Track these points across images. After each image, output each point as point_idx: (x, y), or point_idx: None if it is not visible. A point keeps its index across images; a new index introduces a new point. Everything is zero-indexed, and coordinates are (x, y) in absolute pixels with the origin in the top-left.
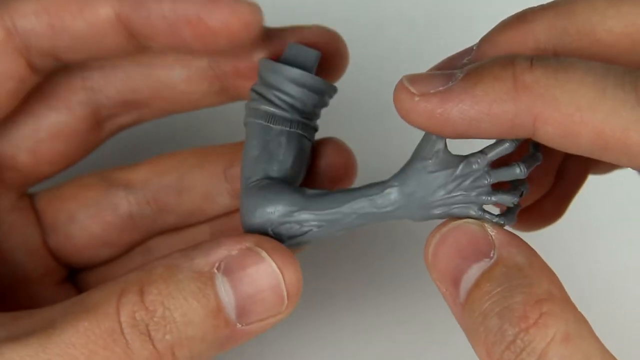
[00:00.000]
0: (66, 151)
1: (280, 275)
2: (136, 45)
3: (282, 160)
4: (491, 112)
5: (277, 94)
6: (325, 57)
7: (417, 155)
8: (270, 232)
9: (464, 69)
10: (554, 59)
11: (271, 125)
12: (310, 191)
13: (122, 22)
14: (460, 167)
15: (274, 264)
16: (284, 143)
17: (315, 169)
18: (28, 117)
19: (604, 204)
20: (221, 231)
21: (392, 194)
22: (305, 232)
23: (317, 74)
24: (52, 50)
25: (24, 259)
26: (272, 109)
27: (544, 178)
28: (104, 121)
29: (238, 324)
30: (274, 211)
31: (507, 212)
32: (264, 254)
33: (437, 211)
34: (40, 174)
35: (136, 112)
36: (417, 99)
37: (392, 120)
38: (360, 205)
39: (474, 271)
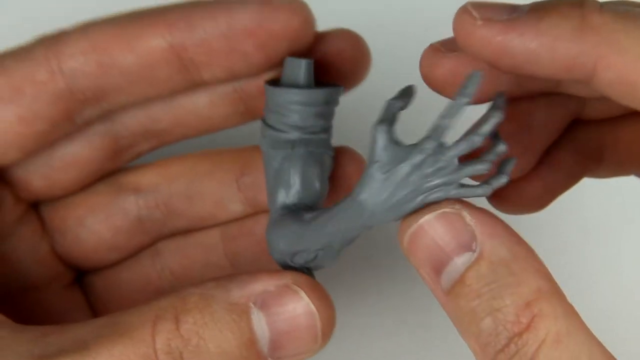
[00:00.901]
0: (81, 178)
1: (317, 315)
2: (187, 79)
3: (291, 184)
4: (554, 48)
5: (274, 116)
6: (346, 60)
7: (369, 159)
8: (290, 263)
9: (530, 3)
10: (624, 6)
11: (275, 150)
12: (307, 215)
13: (176, 50)
14: (414, 154)
15: (311, 304)
16: (288, 167)
17: (331, 180)
18: (43, 121)
19: (604, 205)
20: (232, 236)
21: (359, 203)
22: (315, 258)
23: (329, 76)
24: (99, 92)
25: (33, 267)
26: (274, 134)
27: (524, 154)
28: (122, 151)
29: (269, 358)
30: (284, 246)
31: (490, 178)
32: (302, 293)
33: (412, 204)
34: (54, 196)
35: (156, 140)
36: (479, 22)
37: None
38: (340, 223)
39: (458, 265)
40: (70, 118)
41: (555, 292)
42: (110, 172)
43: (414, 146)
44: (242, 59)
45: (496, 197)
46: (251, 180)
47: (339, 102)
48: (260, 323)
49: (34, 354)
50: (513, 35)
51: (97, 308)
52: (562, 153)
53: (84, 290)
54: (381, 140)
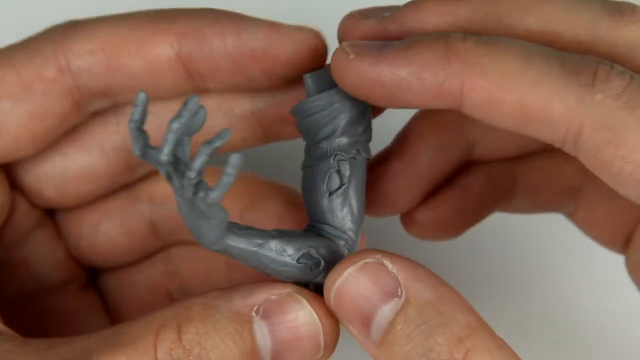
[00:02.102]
0: (94, 190)
1: (320, 325)
2: (193, 86)
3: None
4: (422, 74)
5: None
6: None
7: None
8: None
9: (400, 41)
10: (485, 36)
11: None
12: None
13: (183, 61)
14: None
15: (313, 313)
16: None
17: None
18: (57, 155)
19: None
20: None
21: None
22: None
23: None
24: (106, 90)
25: (49, 270)
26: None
27: (409, 191)
28: (136, 166)
29: None
30: None
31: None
32: (304, 302)
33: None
34: (67, 206)
35: None
36: (352, 57)
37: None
38: None
39: (386, 313)
40: (80, 110)
41: (484, 327)
42: (125, 185)
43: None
44: (247, 79)
45: (408, 222)
46: (254, 217)
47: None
48: (262, 332)
49: None
50: (383, 65)
51: (110, 308)
52: (472, 178)
53: (97, 290)
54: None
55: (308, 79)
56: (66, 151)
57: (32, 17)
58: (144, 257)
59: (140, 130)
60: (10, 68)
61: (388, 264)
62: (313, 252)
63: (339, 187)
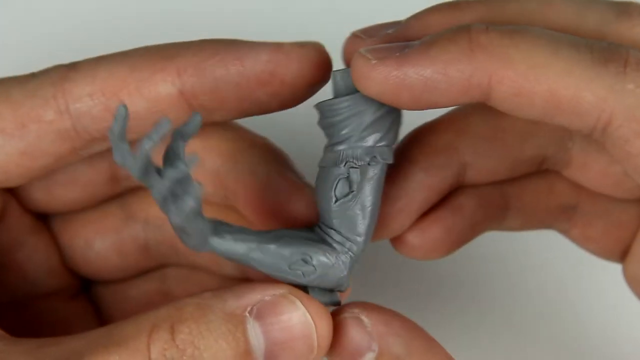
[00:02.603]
0: (83, 197)
1: (313, 326)
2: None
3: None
4: (447, 72)
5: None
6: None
7: None
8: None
9: (421, 39)
10: (509, 25)
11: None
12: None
13: (186, 97)
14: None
15: (307, 314)
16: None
17: None
18: (47, 156)
19: None
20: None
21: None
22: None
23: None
24: (106, 131)
25: (44, 277)
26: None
27: (399, 215)
28: (121, 179)
29: None
30: None
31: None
32: (298, 302)
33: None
34: (57, 211)
35: None
36: (374, 62)
37: None
38: None
39: None
40: (76, 153)
41: None
42: (116, 195)
43: None
44: (254, 104)
45: (397, 243)
46: (229, 170)
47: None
48: (255, 333)
49: None
50: (407, 67)
51: (103, 318)
52: (463, 199)
53: (91, 300)
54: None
55: (337, 75)
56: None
57: (33, 17)
58: (138, 274)
59: (121, 140)
60: (8, 104)
61: (364, 318)
62: (307, 259)
63: (347, 194)
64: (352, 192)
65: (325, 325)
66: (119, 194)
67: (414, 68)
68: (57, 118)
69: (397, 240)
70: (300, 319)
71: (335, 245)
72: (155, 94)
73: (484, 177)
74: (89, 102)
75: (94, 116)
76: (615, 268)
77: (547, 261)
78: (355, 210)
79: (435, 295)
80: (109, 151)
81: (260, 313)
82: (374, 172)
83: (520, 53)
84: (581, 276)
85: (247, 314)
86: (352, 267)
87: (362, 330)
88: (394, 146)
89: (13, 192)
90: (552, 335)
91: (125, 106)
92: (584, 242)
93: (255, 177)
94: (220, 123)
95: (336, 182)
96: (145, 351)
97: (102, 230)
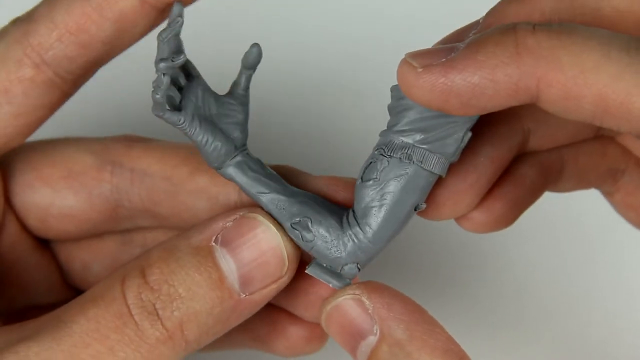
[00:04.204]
0: (75, 232)
1: (279, 237)
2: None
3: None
4: (495, 77)
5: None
6: None
7: None
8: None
9: (465, 41)
10: (557, 24)
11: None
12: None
13: (149, 1)
14: None
15: (271, 226)
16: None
17: None
18: (46, 187)
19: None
20: None
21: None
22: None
23: None
24: (89, 64)
25: (44, 291)
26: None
27: (470, 191)
28: (121, 220)
29: (242, 294)
30: None
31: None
32: (260, 217)
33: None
34: (50, 239)
35: (155, 221)
36: (420, 70)
37: None
38: None
39: (364, 348)
40: (67, 94)
41: None
42: (107, 232)
43: None
44: None
45: (464, 219)
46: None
47: None
48: (225, 259)
49: (12, 340)
50: (454, 74)
51: None
52: (524, 168)
53: None
54: None
55: None
56: (54, 185)
57: None
58: None
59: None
60: None
61: (366, 300)
62: (308, 222)
63: (369, 180)
64: (375, 179)
65: (289, 239)
66: (116, 232)
67: (460, 74)
68: (36, 72)
69: (462, 217)
70: (265, 233)
71: (344, 225)
72: (119, 11)
73: (545, 144)
74: (60, 46)
75: (70, 57)
76: (616, 268)
77: (548, 261)
78: (372, 197)
79: (435, 295)
80: (110, 192)
81: (226, 239)
82: (405, 171)
83: (569, 56)
84: (581, 276)
85: (213, 243)
86: (356, 256)
87: (363, 312)
88: (451, 160)
89: (14, 210)
90: (552, 336)
91: (180, 4)
92: (624, 209)
93: None
94: None
95: (368, 163)
96: (121, 299)
97: (100, 254)
